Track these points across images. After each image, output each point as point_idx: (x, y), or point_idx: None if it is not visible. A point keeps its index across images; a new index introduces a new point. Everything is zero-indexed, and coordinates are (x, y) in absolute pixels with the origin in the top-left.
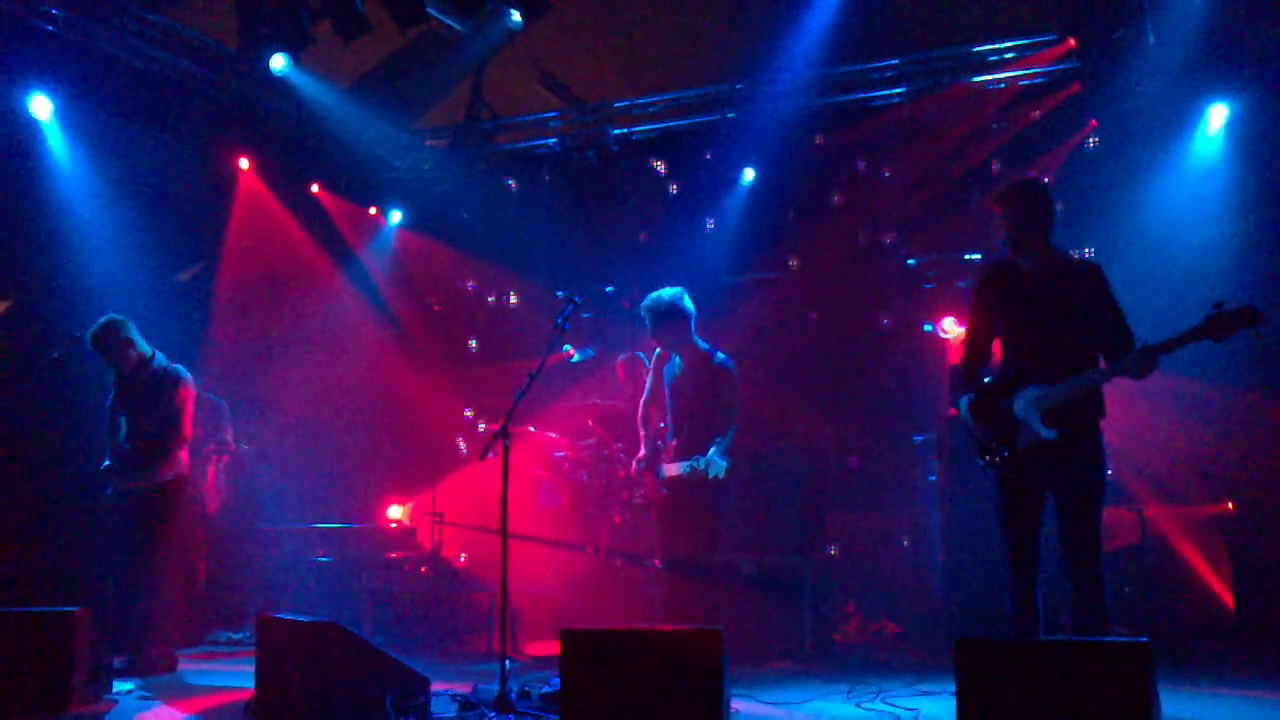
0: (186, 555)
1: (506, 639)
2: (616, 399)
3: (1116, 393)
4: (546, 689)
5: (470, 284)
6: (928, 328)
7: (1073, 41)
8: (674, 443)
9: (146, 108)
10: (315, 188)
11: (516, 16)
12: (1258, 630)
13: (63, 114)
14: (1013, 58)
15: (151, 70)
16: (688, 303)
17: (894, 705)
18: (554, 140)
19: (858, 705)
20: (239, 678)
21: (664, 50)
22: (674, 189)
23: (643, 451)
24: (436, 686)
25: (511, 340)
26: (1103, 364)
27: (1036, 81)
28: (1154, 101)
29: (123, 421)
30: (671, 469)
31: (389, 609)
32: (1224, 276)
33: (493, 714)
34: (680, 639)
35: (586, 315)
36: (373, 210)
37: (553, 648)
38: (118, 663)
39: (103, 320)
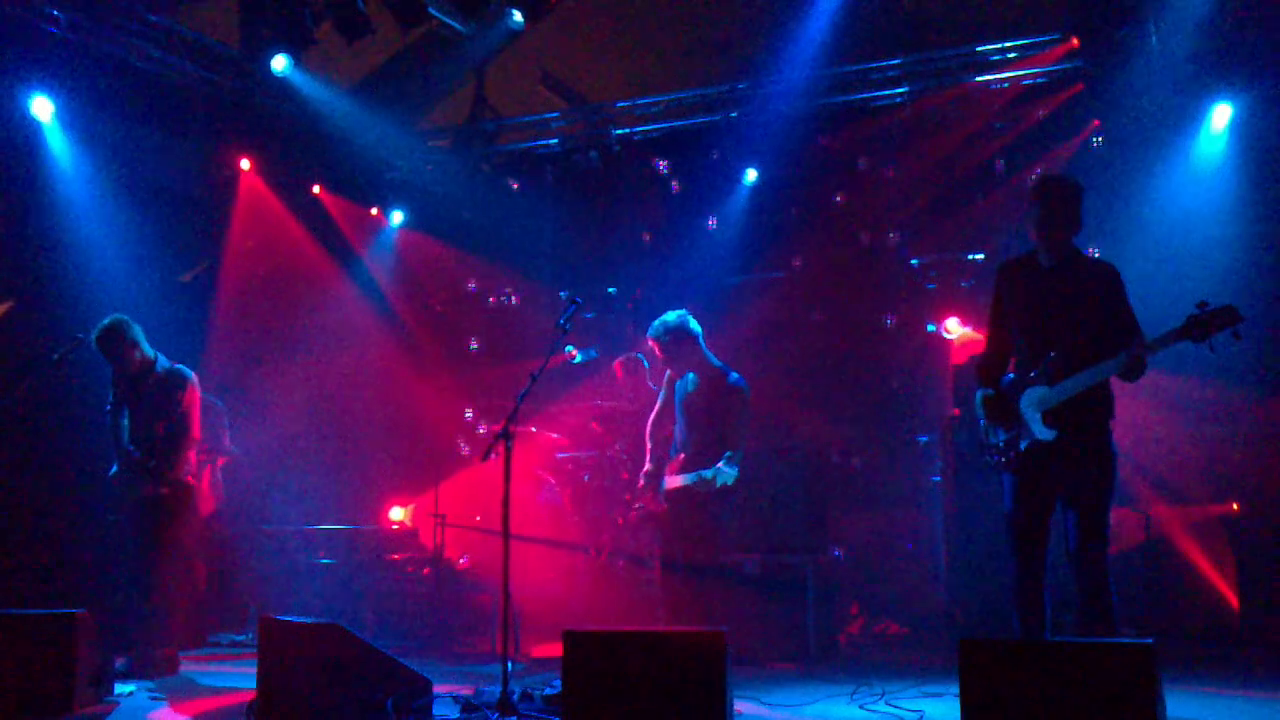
0: (190, 557)
1: (509, 640)
2: (618, 400)
3: (1121, 393)
4: (549, 690)
5: (472, 284)
6: (931, 328)
7: (1076, 41)
8: (679, 457)
9: (148, 109)
10: (317, 188)
11: (518, 17)
12: (1263, 631)
13: (64, 115)
14: (1016, 57)
15: (153, 71)
16: (693, 323)
17: (898, 707)
18: (556, 141)
19: (861, 707)
20: (241, 679)
21: (666, 50)
22: (677, 189)
23: (648, 466)
24: (438, 688)
25: (514, 341)
26: None
27: (1040, 81)
28: (1157, 101)
29: (125, 424)
30: (674, 481)
31: (391, 610)
32: (1228, 275)
33: (495, 716)
34: (683, 640)
35: (589, 316)
36: (375, 211)
37: (555, 649)
38: (120, 664)
39: (107, 320)
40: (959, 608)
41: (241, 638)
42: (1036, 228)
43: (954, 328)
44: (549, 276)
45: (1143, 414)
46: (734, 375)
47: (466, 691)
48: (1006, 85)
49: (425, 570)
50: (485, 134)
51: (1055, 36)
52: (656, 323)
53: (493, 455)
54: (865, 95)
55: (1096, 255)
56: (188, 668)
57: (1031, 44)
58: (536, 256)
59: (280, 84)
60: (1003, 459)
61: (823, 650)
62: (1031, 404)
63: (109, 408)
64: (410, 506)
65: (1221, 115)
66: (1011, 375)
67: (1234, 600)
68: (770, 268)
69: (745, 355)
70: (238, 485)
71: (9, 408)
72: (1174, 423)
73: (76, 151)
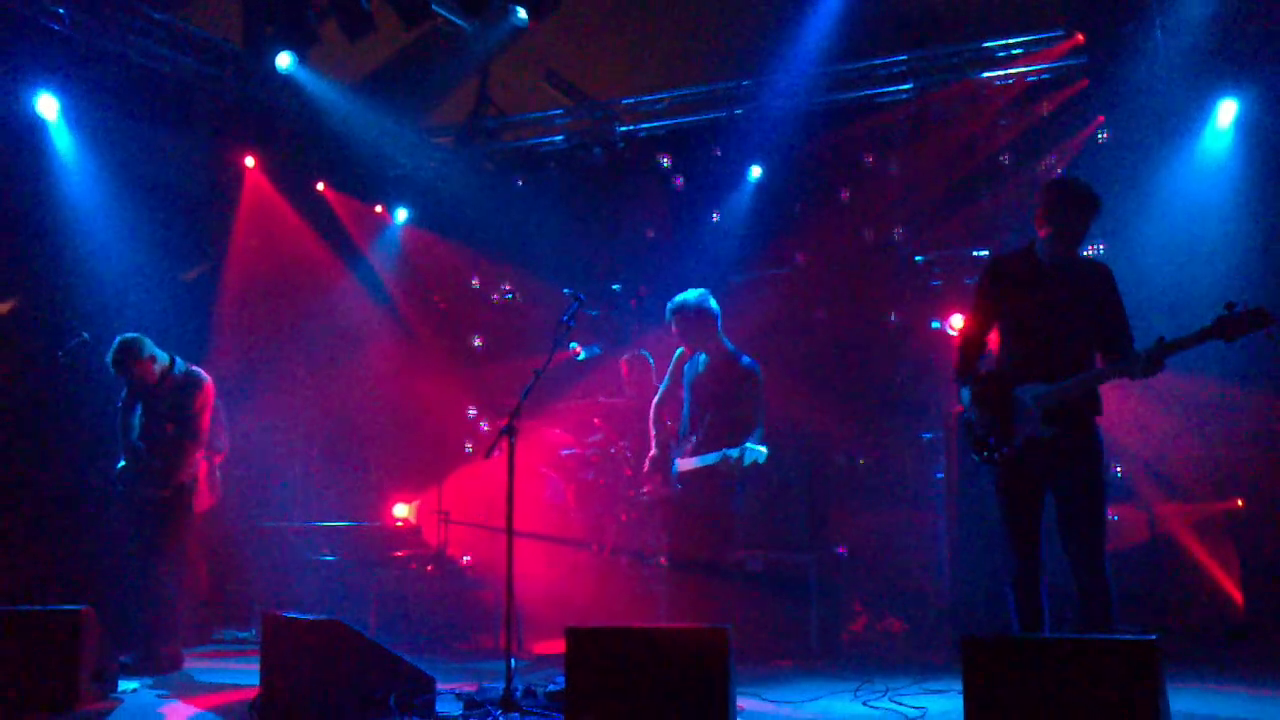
0: (191, 555)
1: (512, 637)
2: (622, 396)
3: (1126, 391)
4: (552, 687)
5: (476, 281)
6: (936, 324)
7: (1081, 37)
8: (690, 441)
9: (152, 106)
10: (321, 185)
11: (522, 14)
12: (1267, 628)
13: (69, 112)
14: (1021, 53)
15: (157, 69)
16: (713, 303)
17: (901, 703)
18: (560, 138)
19: (865, 704)
20: (245, 676)
21: (670, 47)
22: (680, 185)
23: (654, 450)
24: (442, 685)
25: (517, 337)
26: (1099, 364)
27: (1045, 77)
28: (1163, 96)
29: (136, 421)
30: (688, 463)
31: (394, 607)
32: (1234, 272)
33: (498, 712)
34: (686, 637)
35: (593, 313)
36: (379, 208)
37: (558, 646)
38: (124, 661)
39: (116, 343)
40: (962, 605)
41: (245, 635)
42: (1054, 233)
43: (959, 324)
44: (552, 273)
45: (1146, 411)
46: (746, 359)
47: (470, 688)
48: (1011, 81)
49: (429, 567)
50: (489, 131)
51: (1060, 33)
52: (678, 297)
53: (496, 452)
54: (870, 91)
55: (1100, 251)
56: (192, 664)
57: (1036, 40)
58: (540, 253)
59: (284, 81)
60: (992, 454)
61: (826, 647)
62: (1030, 400)
63: (120, 403)
64: (414, 503)
65: (1227, 111)
66: (992, 368)
67: (1238, 597)
68: (774, 264)
69: (749, 351)
70: (240, 482)
71: (14, 405)
72: (1177, 420)
73: (81, 149)
